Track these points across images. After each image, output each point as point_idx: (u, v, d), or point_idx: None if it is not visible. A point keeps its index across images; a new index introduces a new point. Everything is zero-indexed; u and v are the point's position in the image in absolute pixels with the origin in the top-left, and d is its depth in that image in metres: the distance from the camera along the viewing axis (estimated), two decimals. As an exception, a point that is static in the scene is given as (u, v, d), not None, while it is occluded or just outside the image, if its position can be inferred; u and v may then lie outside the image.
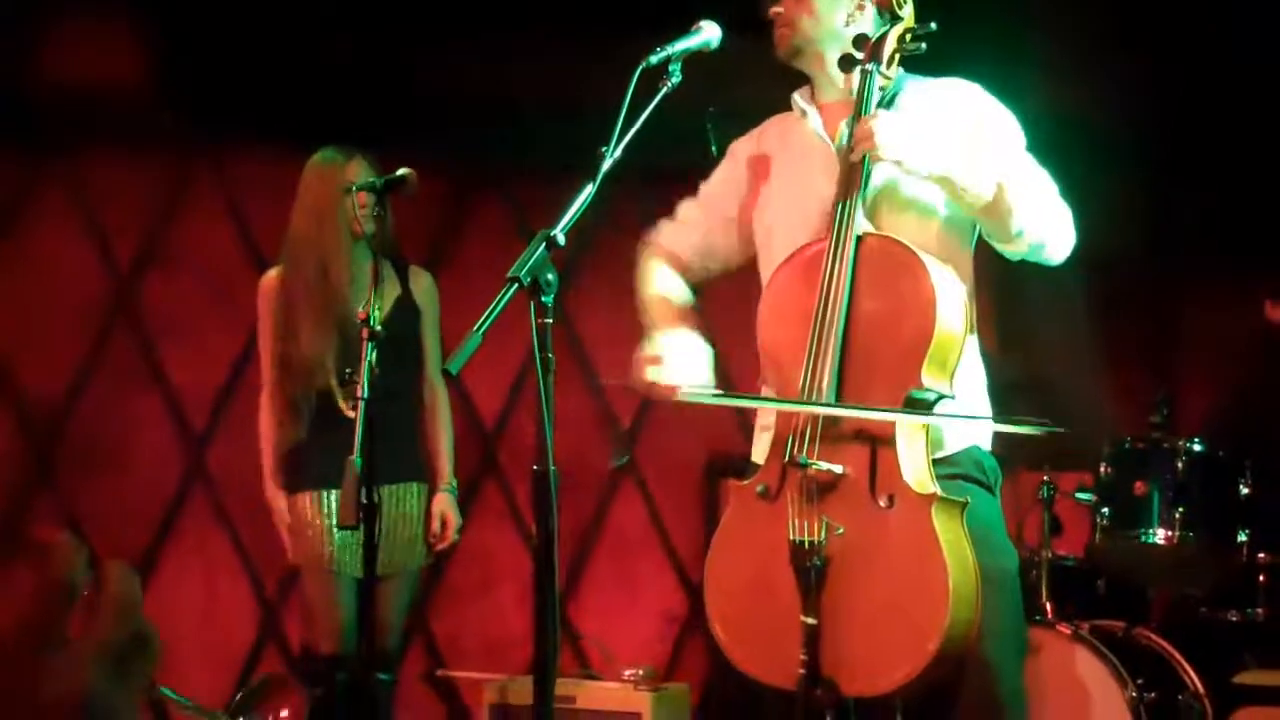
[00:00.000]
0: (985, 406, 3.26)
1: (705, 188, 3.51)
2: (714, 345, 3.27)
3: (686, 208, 3.52)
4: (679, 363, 3.20)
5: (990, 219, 3.13)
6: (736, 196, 3.43)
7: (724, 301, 3.49)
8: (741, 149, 3.47)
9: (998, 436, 3.29)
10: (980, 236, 3.25)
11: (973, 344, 3.20)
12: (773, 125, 3.44)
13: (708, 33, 3.04)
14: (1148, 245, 5.55)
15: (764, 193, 3.38)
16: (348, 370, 4.25)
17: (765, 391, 3.27)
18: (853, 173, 3.10)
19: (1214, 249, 5.57)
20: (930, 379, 3.00)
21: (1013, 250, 3.18)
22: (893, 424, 2.99)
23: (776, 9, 3.28)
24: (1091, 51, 5.37)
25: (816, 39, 3.26)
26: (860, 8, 3.25)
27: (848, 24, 3.24)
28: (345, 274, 4.40)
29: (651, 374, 3.19)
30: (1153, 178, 5.57)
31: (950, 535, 2.93)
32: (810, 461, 3.02)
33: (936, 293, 3.00)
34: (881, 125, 3.03)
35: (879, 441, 3.00)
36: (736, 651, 3.12)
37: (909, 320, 3.02)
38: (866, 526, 2.98)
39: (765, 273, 3.34)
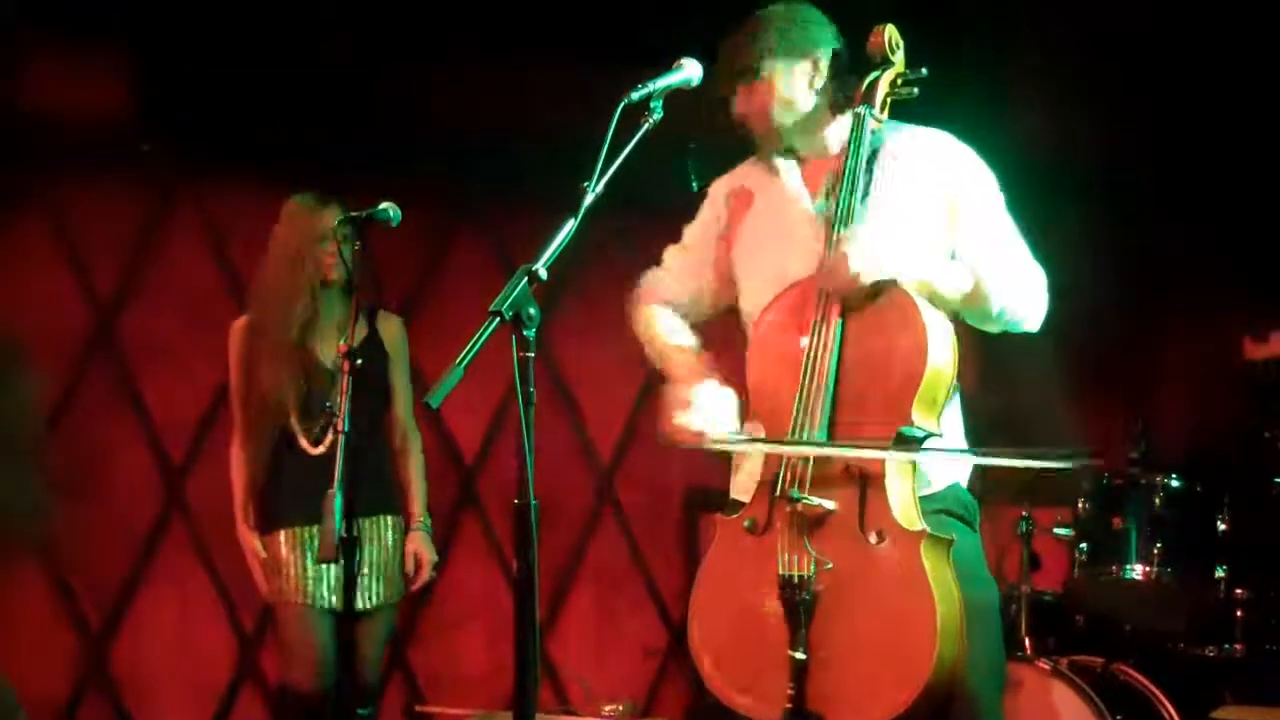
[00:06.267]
0: (963, 444, 3.29)
1: (687, 233, 3.55)
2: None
3: (671, 255, 3.55)
4: (708, 409, 3.19)
5: (970, 308, 3.19)
6: (717, 240, 3.47)
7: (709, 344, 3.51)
8: (720, 192, 3.51)
9: (975, 474, 3.32)
10: None
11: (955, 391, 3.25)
12: (752, 169, 3.47)
13: (689, 70, 3.06)
14: (1125, 281, 5.58)
15: (743, 239, 3.42)
16: (327, 404, 4.30)
17: (750, 428, 3.29)
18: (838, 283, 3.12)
19: (1191, 284, 5.61)
20: (919, 417, 3.03)
21: (991, 328, 3.24)
22: (883, 461, 3.01)
23: (740, 111, 3.34)
24: (1068, 91, 5.41)
25: (790, 118, 3.32)
26: (815, 63, 3.31)
27: (811, 86, 3.31)
28: (309, 317, 4.45)
29: (680, 419, 3.19)
30: (1130, 214, 5.61)
31: (938, 571, 2.96)
32: (802, 496, 3.04)
33: (928, 331, 3.03)
34: (854, 252, 3.06)
35: (869, 478, 3.03)
36: (722, 685, 3.13)
37: (901, 358, 3.05)
38: (856, 562, 3.00)
39: (747, 317, 3.37)
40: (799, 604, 3.00)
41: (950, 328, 3.12)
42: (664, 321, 3.48)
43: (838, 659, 2.97)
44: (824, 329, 3.10)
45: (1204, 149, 5.47)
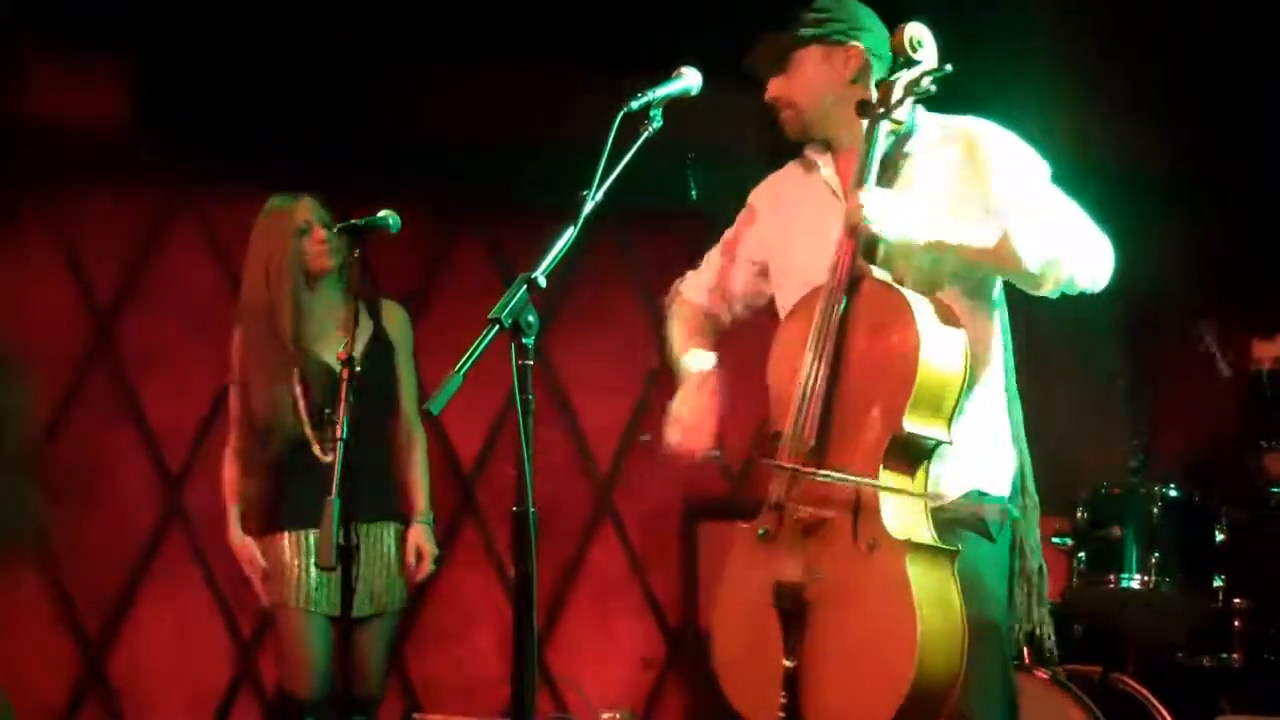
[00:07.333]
0: (1003, 455, 3.25)
1: (726, 233, 3.57)
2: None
3: (708, 255, 3.59)
4: (687, 423, 3.30)
5: (1005, 270, 3.13)
6: (752, 240, 3.47)
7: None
8: (759, 194, 3.51)
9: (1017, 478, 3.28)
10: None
11: (990, 391, 3.22)
12: (792, 169, 3.46)
13: (689, 79, 3.07)
14: (1124, 285, 5.58)
15: (780, 238, 3.41)
16: (326, 410, 4.29)
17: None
18: (853, 230, 3.11)
19: (1191, 292, 5.61)
20: (918, 424, 2.99)
21: (1045, 291, 3.16)
22: (876, 470, 2.99)
23: (770, 96, 3.32)
24: (1075, 89, 5.41)
25: (820, 109, 3.29)
26: (851, 55, 3.25)
27: (846, 78, 3.26)
28: (299, 322, 4.44)
29: (671, 436, 3.31)
30: (1133, 220, 5.60)
31: (928, 582, 2.92)
32: (790, 505, 3.03)
33: (921, 334, 2.99)
34: (870, 201, 3.05)
35: (862, 487, 3.00)
36: (731, 691, 3.14)
37: (893, 363, 3.01)
38: (847, 571, 2.98)
39: (781, 314, 3.38)
40: (789, 611, 2.99)
41: (959, 332, 3.06)
42: (681, 325, 3.54)
43: (826, 669, 2.96)
44: (826, 331, 3.07)
45: (1212, 155, 5.47)
